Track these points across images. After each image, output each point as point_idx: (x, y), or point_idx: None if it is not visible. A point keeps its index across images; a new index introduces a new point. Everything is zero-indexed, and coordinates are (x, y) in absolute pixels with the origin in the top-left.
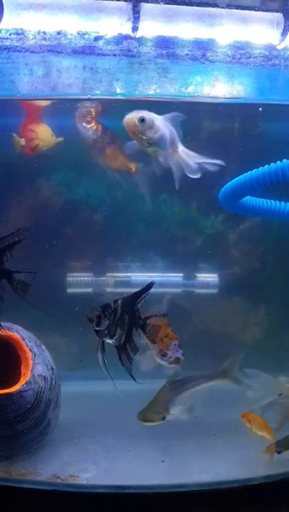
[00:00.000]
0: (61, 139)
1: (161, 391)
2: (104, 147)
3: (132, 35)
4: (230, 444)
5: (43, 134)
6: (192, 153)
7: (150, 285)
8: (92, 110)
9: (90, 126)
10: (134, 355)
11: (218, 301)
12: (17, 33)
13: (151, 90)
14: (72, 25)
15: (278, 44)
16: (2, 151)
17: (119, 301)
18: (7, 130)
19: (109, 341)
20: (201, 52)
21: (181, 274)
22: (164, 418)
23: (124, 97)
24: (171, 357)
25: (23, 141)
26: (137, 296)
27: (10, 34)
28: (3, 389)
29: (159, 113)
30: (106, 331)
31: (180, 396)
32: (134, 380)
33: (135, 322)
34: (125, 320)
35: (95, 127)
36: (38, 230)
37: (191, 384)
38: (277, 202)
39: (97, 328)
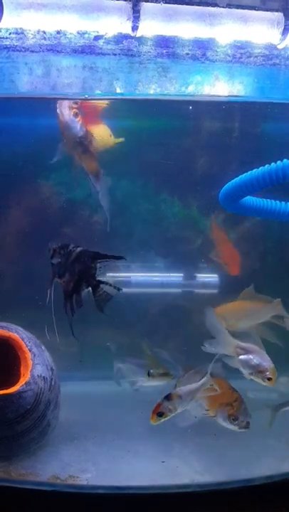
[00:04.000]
0: (122, 139)
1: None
2: (86, 147)
3: (132, 34)
4: (231, 445)
5: (101, 135)
6: None
7: (118, 256)
8: (78, 104)
9: (77, 120)
10: (77, 309)
11: (218, 301)
12: (17, 33)
13: (152, 90)
14: (72, 24)
15: (279, 43)
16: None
17: (78, 249)
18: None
19: (58, 280)
20: (202, 51)
21: (181, 274)
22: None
23: (124, 97)
24: (243, 421)
25: None
26: (97, 255)
27: (10, 33)
28: (3, 389)
29: (158, 111)
30: (56, 268)
31: None
32: (74, 336)
33: (87, 280)
34: (75, 269)
35: (81, 122)
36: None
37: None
38: (278, 202)
39: (51, 261)
